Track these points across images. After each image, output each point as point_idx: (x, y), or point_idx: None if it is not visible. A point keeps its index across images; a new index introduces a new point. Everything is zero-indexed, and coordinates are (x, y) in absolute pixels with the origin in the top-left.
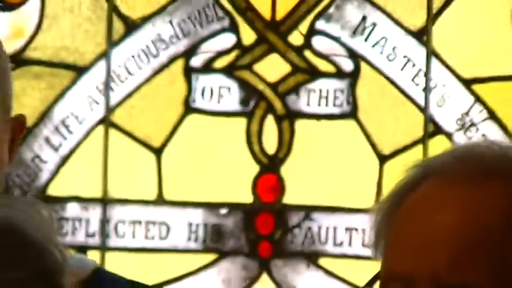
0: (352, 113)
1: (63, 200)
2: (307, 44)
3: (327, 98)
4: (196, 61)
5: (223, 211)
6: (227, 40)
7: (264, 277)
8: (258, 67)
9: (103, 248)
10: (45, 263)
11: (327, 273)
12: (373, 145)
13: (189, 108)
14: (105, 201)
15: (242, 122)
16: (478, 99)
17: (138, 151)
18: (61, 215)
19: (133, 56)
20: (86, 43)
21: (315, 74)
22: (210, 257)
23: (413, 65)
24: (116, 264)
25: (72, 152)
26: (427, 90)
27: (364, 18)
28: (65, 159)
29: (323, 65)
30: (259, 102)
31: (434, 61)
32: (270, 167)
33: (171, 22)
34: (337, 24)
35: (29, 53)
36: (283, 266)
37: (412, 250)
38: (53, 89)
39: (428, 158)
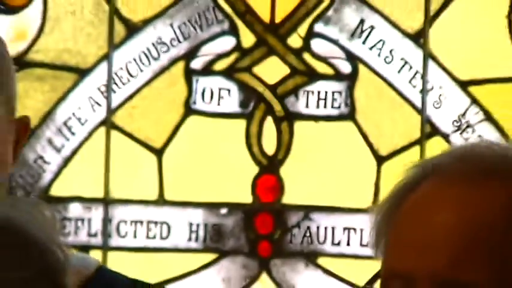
0: (350, 115)
1: (65, 200)
2: (306, 47)
3: (325, 99)
4: (197, 63)
5: (223, 211)
6: (227, 43)
7: (264, 276)
8: (257, 69)
9: (105, 247)
10: (48, 262)
11: (326, 272)
12: (370, 146)
13: (189, 109)
14: (107, 202)
15: (242, 123)
16: (475, 101)
17: (139, 152)
18: (64, 215)
19: (134, 59)
20: (88, 46)
21: (313, 76)
22: (210, 256)
23: (411, 68)
24: (118, 264)
25: (74, 153)
26: (424, 92)
27: (362, 21)
28: (67, 160)
29: (321, 67)
30: (258, 104)
31: (431, 63)
32: (269, 167)
33: (171, 25)
34: (336, 27)
35: (32, 56)
36: (282, 265)
37: (412, 249)
38: (55, 91)
39: (428, 158)
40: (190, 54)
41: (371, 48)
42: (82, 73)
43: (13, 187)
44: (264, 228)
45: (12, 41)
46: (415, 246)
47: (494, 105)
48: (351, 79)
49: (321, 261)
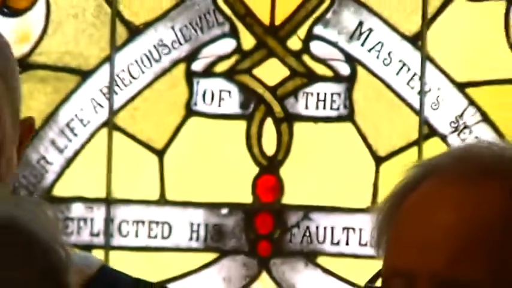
0: (348, 116)
1: (68, 201)
2: (305, 49)
3: (324, 101)
4: (198, 65)
5: (224, 211)
6: (227, 45)
7: (264, 275)
8: (257, 71)
9: (107, 247)
10: (51, 262)
11: (325, 272)
12: (369, 147)
13: (190, 111)
14: (109, 202)
15: (242, 124)
16: (472, 102)
17: (141, 153)
18: (66, 215)
19: (136, 61)
20: (90, 48)
21: (312, 78)
22: (211, 255)
23: (409, 69)
24: (120, 263)
25: (76, 153)
26: (422, 93)
27: (360, 24)
28: (69, 161)
29: (321, 69)
30: (258, 106)
31: (428, 65)
32: (269, 168)
33: (172, 28)
34: (335, 30)
35: (35, 58)
36: (282, 265)
37: (413, 248)
38: (58, 93)
39: (428, 158)
40: (191, 56)
41: (370, 51)
42: (84, 75)
43: (16, 187)
44: (264, 228)
45: (16, 43)
46: (415, 246)
47: (491, 107)
48: (349, 81)
49: (320, 260)
